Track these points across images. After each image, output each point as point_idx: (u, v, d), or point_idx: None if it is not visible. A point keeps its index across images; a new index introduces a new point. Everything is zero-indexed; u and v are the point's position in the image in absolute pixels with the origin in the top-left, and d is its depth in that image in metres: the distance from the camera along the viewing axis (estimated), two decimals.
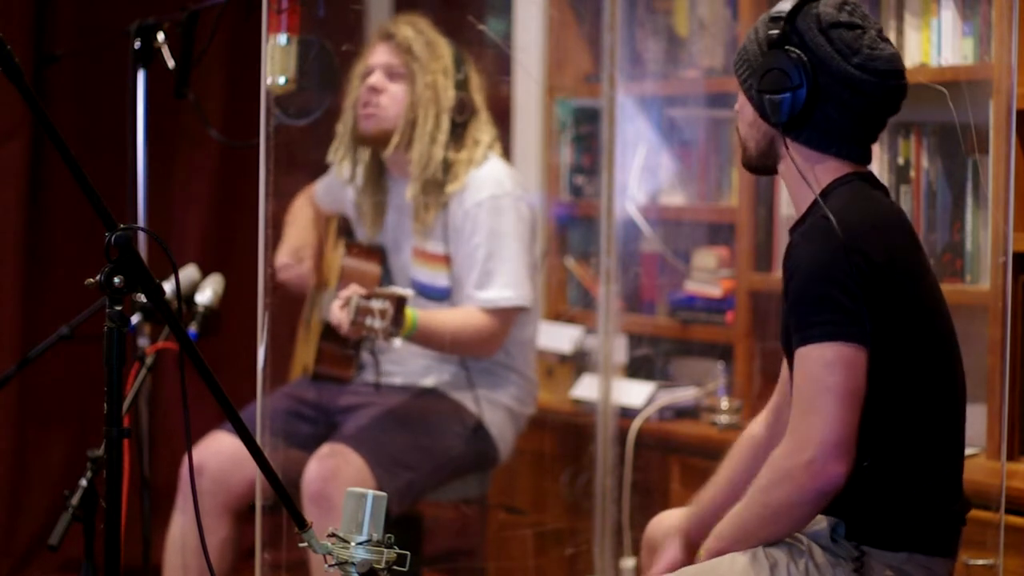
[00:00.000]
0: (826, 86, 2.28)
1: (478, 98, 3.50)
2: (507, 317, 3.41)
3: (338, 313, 3.15)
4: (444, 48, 3.47)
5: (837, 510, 2.29)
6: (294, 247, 3.63)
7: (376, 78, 3.44)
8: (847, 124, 2.31)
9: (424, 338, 3.30)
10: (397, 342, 3.16)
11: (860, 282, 2.20)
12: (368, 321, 3.08)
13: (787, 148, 2.32)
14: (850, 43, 2.28)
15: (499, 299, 3.38)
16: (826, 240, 2.22)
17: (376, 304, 3.08)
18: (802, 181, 2.33)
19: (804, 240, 2.28)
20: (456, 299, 3.47)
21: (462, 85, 3.46)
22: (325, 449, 3.30)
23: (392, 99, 3.43)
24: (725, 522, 2.34)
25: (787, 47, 2.29)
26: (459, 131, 3.46)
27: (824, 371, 2.19)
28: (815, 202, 2.30)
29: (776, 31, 2.29)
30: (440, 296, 3.47)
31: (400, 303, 3.08)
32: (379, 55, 3.47)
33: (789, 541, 2.31)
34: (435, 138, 3.41)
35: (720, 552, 2.32)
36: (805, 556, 2.29)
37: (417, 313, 3.23)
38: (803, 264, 2.24)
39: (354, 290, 3.14)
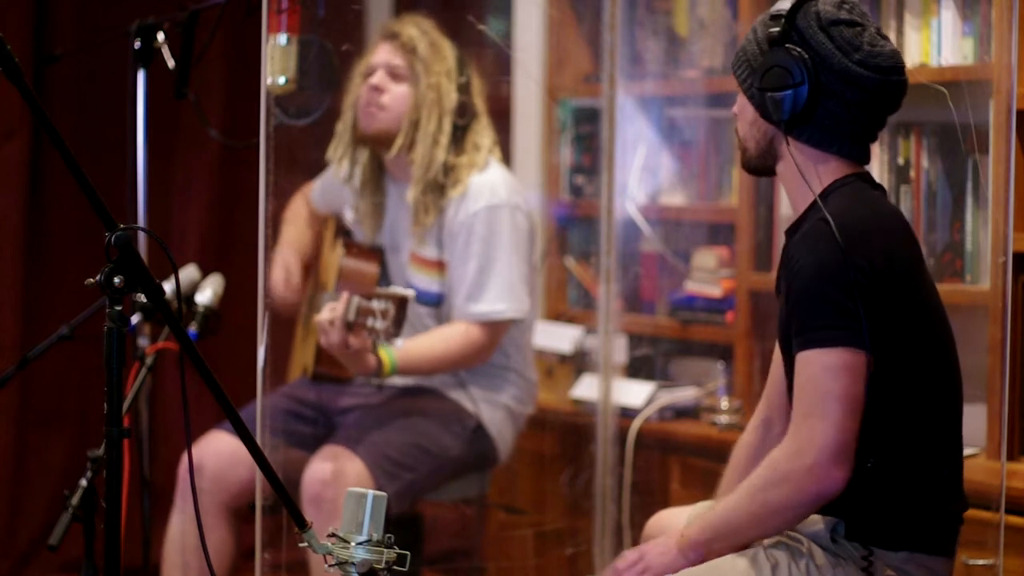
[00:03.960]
0: (828, 83, 2.28)
1: (479, 102, 3.48)
2: (498, 328, 3.41)
3: (327, 327, 3.12)
4: (448, 50, 3.45)
5: (837, 510, 2.29)
6: (287, 265, 3.60)
7: (379, 77, 3.42)
8: (849, 121, 2.31)
9: (408, 371, 3.32)
10: (399, 342, 3.15)
11: (862, 285, 2.19)
12: (369, 322, 3.07)
13: (788, 147, 2.32)
14: (851, 40, 2.28)
15: (492, 312, 3.38)
16: (827, 244, 2.22)
17: (377, 305, 3.06)
18: (802, 181, 2.32)
19: (804, 243, 2.27)
20: (447, 307, 3.46)
21: (464, 88, 3.44)
22: (324, 451, 3.29)
23: (394, 99, 3.42)
24: (715, 515, 2.33)
25: (788, 45, 2.29)
26: (460, 135, 3.44)
27: (827, 375, 2.19)
28: (814, 203, 2.30)
29: (776, 29, 2.30)
30: (433, 302, 3.46)
31: (402, 303, 3.06)
32: (382, 54, 3.45)
33: (789, 542, 2.31)
34: (437, 140, 3.40)
35: (705, 543, 2.31)
36: (806, 557, 2.29)
37: (394, 354, 3.23)
38: (805, 268, 2.24)
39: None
